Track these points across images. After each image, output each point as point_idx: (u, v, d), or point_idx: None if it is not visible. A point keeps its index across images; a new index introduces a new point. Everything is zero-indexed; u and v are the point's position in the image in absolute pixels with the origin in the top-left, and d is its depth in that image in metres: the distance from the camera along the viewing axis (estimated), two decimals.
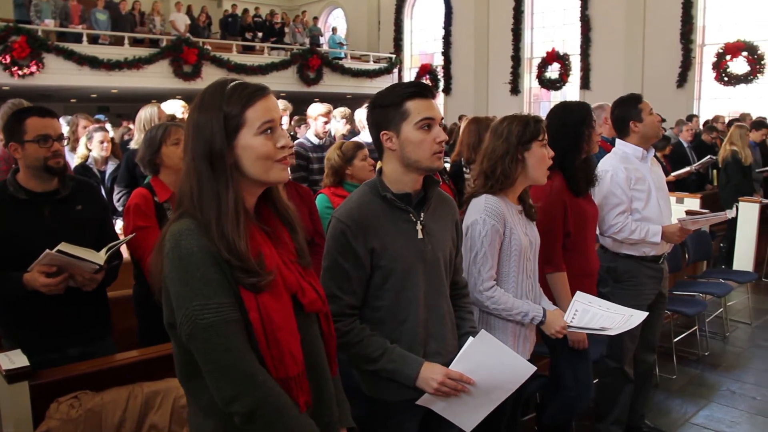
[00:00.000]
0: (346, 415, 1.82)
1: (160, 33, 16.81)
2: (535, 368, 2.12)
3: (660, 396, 4.47)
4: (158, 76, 15.79)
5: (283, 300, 1.55)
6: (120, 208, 4.61)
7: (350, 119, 6.72)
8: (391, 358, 2.04)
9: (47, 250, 2.35)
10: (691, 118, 10.36)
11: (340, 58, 19.50)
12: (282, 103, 6.12)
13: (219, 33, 19.04)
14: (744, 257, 7.50)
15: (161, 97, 8.61)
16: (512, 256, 2.64)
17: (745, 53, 13.52)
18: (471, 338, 2.08)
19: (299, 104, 6.77)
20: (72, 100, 17.57)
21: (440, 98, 19.85)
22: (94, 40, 15.17)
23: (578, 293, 2.83)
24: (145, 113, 4.79)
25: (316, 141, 5.21)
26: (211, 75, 15.92)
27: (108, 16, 15.54)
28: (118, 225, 3.86)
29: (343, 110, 6.45)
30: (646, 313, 2.80)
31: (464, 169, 4.62)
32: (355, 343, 2.05)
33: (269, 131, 1.56)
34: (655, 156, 3.70)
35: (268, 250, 1.57)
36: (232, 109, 1.53)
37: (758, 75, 13.43)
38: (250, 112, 1.54)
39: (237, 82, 1.58)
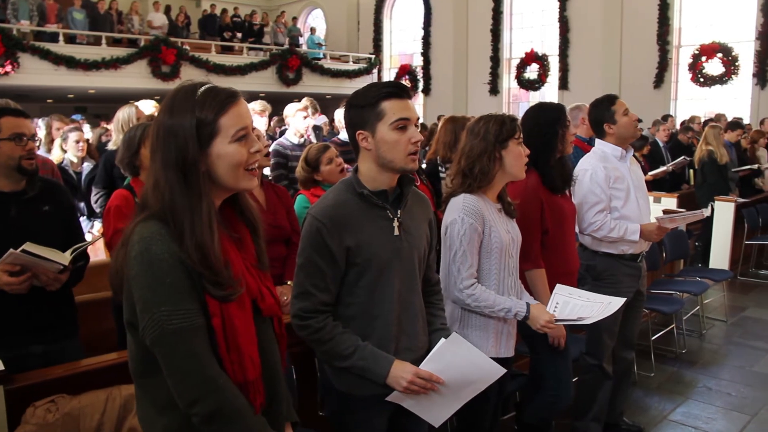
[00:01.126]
0: (291, 411, 1.86)
1: (139, 33, 16.70)
2: (504, 370, 2.15)
3: (638, 393, 4.51)
4: (136, 76, 15.67)
5: (246, 307, 1.58)
6: (98, 210, 4.57)
7: (316, 109, 6.72)
8: (362, 356, 2.05)
9: (11, 249, 2.34)
10: (666, 118, 10.48)
11: (320, 59, 19.47)
12: (260, 104, 6.08)
13: (198, 33, 18.92)
14: (720, 256, 7.60)
15: (139, 97, 8.53)
16: (493, 253, 2.67)
17: (720, 55, 13.70)
18: (443, 339, 2.10)
19: (278, 105, 6.75)
20: (48, 101, 17.37)
21: (419, 98, 19.90)
22: (70, 39, 15.03)
23: (558, 286, 2.85)
24: (123, 114, 4.75)
25: (295, 140, 5.19)
26: (189, 75, 15.81)
27: (85, 16, 15.40)
28: (97, 227, 3.83)
29: (306, 102, 6.37)
30: (624, 299, 2.83)
31: (440, 168, 4.64)
32: (327, 340, 2.06)
33: (243, 138, 1.56)
34: (634, 155, 3.73)
35: (235, 257, 1.59)
36: (205, 115, 1.51)
37: (733, 76, 13.61)
38: (225, 119, 1.53)
39: (208, 86, 1.56)
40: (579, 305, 2.74)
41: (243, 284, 1.57)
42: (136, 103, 5.05)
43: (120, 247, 1.53)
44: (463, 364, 2.09)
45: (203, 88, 1.55)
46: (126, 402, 2.40)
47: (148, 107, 5.42)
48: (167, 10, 17.82)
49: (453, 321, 2.70)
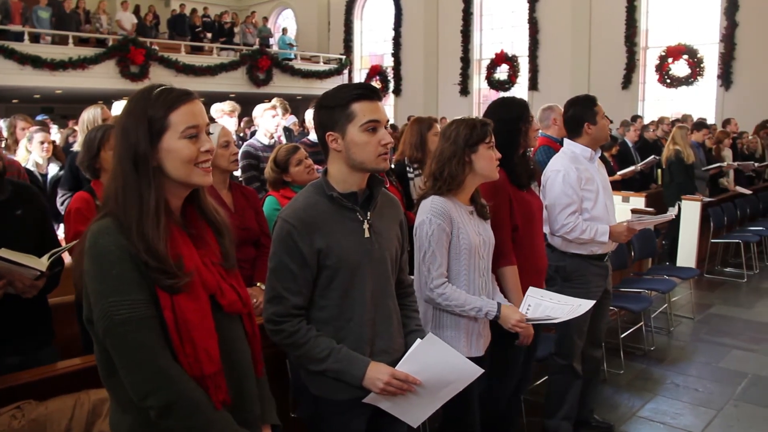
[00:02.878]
0: (271, 413, 1.85)
1: (107, 32, 16.48)
2: (482, 370, 2.15)
3: (608, 391, 4.56)
4: (104, 76, 15.48)
5: (200, 300, 1.59)
6: (64, 212, 4.50)
7: (287, 110, 6.71)
8: (337, 359, 2.04)
9: None
10: (635, 118, 10.62)
11: (290, 59, 19.40)
12: (229, 105, 6.03)
13: (167, 33, 18.73)
14: (687, 254, 7.73)
15: (108, 97, 8.43)
16: (461, 254, 2.68)
17: (685, 56, 13.94)
18: (419, 339, 2.10)
19: (249, 106, 6.70)
20: (14, 101, 17.08)
21: (390, 99, 19.93)
22: (36, 38, 14.77)
23: (531, 288, 2.87)
24: (88, 115, 4.67)
25: (266, 141, 5.16)
26: (159, 76, 15.69)
27: (51, 14, 15.15)
28: (61, 230, 3.76)
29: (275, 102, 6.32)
30: (593, 302, 2.86)
31: (408, 168, 4.65)
32: (302, 344, 2.04)
33: (193, 136, 1.60)
34: (602, 156, 3.77)
35: (188, 251, 1.61)
36: (156, 112, 1.57)
37: (698, 77, 13.86)
38: (174, 115, 1.58)
39: (163, 87, 1.61)
40: (550, 307, 2.78)
41: (196, 277, 1.58)
42: (114, 103, 4.98)
43: (78, 248, 1.57)
44: (439, 364, 2.09)
45: (159, 88, 1.60)
46: (95, 407, 2.36)
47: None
48: (136, 10, 17.61)
49: (426, 321, 2.70)
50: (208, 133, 1.67)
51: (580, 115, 3.60)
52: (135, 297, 1.49)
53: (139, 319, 1.49)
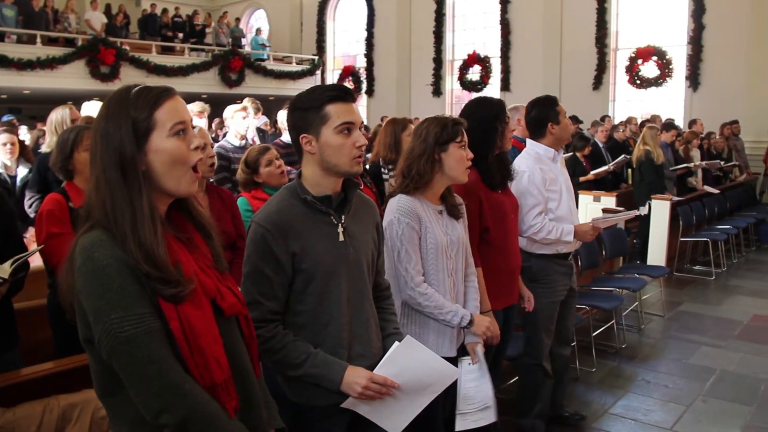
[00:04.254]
0: (275, 416, 1.80)
1: (76, 32, 16.24)
2: (460, 372, 2.13)
3: (581, 388, 4.61)
4: (74, 76, 15.22)
5: (204, 306, 1.52)
6: (33, 214, 4.43)
7: (258, 110, 6.71)
8: (314, 363, 2.02)
9: None
10: (604, 119, 10.74)
11: (263, 60, 19.29)
12: (199, 105, 5.98)
13: (138, 33, 18.53)
14: (657, 252, 7.84)
15: (77, 98, 8.31)
16: (428, 254, 2.67)
17: (655, 58, 14.10)
18: (396, 342, 2.09)
19: (221, 106, 6.63)
20: None
21: (363, 100, 19.91)
22: (1, 37, 14.49)
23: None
24: (56, 115, 4.61)
25: (237, 142, 5.13)
26: (129, 76, 15.48)
27: (17, 13, 14.87)
28: (30, 232, 3.71)
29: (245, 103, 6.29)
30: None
31: (383, 169, 4.65)
32: (279, 349, 2.02)
33: (181, 133, 1.53)
34: (575, 156, 3.81)
35: (185, 257, 1.54)
36: (139, 113, 1.49)
37: (667, 78, 14.03)
38: (159, 113, 1.50)
39: (141, 86, 1.54)
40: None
41: (196, 282, 1.51)
42: (84, 104, 4.91)
43: (66, 265, 1.47)
44: (417, 366, 2.08)
45: (136, 88, 1.53)
46: (64, 412, 2.33)
47: (96, 108, 5.27)
48: (106, 10, 17.40)
49: (406, 322, 2.69)
50: (193, 127, 1.61)
51: (543, 115, 3.62)
52: (139, 311, 1.41)
53: (146, 333, 1.41)
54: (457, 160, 2.70)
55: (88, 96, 8.73)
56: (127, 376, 1.42)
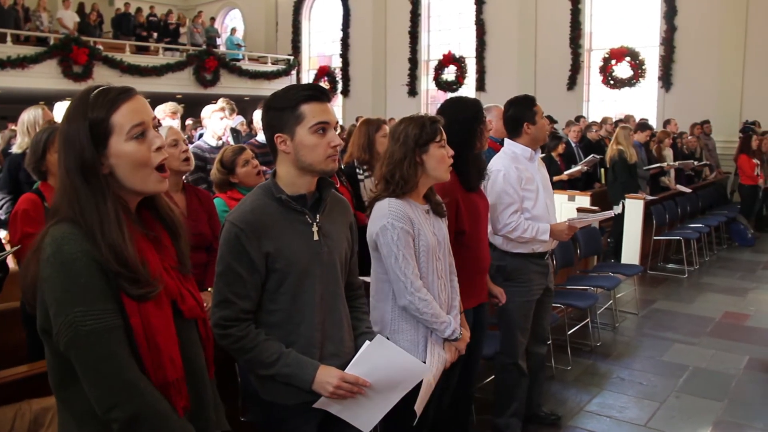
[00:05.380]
0: (222, 419, 1.83)
1: (48, 31, 16.01)
2: (430, 369, 2.15)
3: (556, 387, 4.64)
4: (46, 76, 15.01)
5: (164, 307, 1.55)
6: (3, 216, 4.36)
7: (233, 110, 6.66)
8: (286, 363, 2.02)
9: None
10: (578, 119, 10.84)
11: (238, 60, 19.19)
12: (171, 106, 5.93)
13: (111, 32, 18.32)
14: (631, 251, 7.92)
15: (50, 98, 8.18)
16: (420, 257, 2.64)
17: (628, 58, 14.27)
18: (367, 341, 2.10)
19: (196, 107, 6.60)
20: None
21: (339, 100, 19.88)
22: None
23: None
24: (28, 115, 4.54)
25: (213, 143, 5.10)
26: (103, 76, 15.31)
27: None
28: (2, 234, 3.66)
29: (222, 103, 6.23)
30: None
31: (357, 170, 4.64)
32: (250, 348, 2.02)
33: (141, 135, 1.53)
34: (551, 155, 3.83)
35: (152, 256, 1.55)
36: (96, 115, 1.49)
37: (640, 79, 14.20)
38: (116, 116, 1.50)
39: (101, 87, 1.53)
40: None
41: (161, 283, 1.53)
42: (56, 104, 4.84)
43: (31, 254, 1.48)
44: (388, 365, 2.09)
45: (96, 90, 1.53)
46: (36, 417, 2.30)
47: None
48: (79, 8, 17.17)
49: (384, 326, 2.66)
50: (156, 128, 1.60)
51: (519, 115, 3.63)
52: (102, 306, 1.43)
53: (107, 329, 1.43)
54: (439, 160, 2.67)
55: (61, 96, 8.62)
56: (84, 369, 1.44)
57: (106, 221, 1.46)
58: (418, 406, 2.51)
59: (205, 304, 2.87)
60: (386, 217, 2.58)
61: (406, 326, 2.66)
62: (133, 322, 1.47)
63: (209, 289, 3.03)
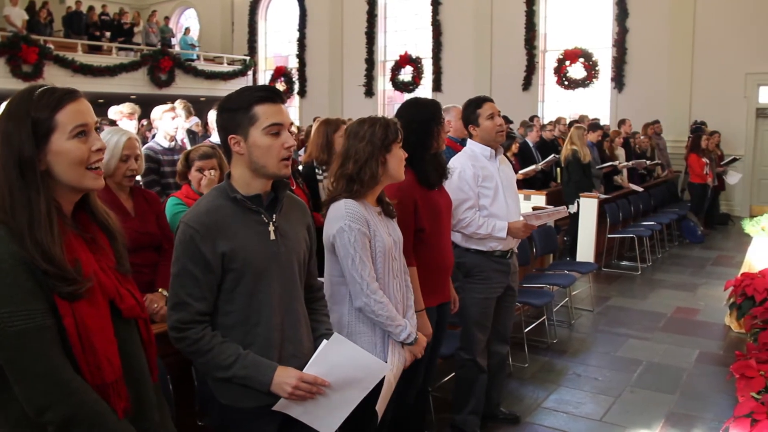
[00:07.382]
0: (167, 420, 1.81)
1: None
2: (389, 366, 2.15)
3: (514, 384, 4.69)
4: None
5: (100, 306, 1.54)
6: None
7: (190, 112, 6.62)
8: (243, 365, 2.00)
9: None
10: (532, 119, 10.98)
11: (193, 60, 18.93)
12: (129, 107, 5.84)
13: (62, 31, 17.90)
14: (585, 249, 8.05)
15: None
16: (377, 258, 2.65)
17: (582, 59, 14.50)
18: (325, 340, 2.09)
19: (151, 107, 6.46)
20: None
21: (295, 101, 19.79)
22: None
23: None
24: None
25: (166, 144, 5.03)
26: (54, 75, 14.94)
27: None
28: None
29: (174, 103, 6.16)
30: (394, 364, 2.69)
31: (316, 170, 4.63)
32: (206, 351, 2.00)
33: (82, 135, 1.56)
34: (505, 155, 3.87)
35: (85, 256, 1.56)
36: (40, 114, 1.52)
37: (594, 80, 14.45)
38: (61, 115, 1.54)
39: (45, 87, 1.56)
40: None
41: (95, 282, 1.53)
42: (3, 103, 4.70)
43: None
44: (347, 364, 2.08)
45: (40, 89, 1.55)
46: None
47: None
48: (29, 6, 16.73)
49: (341, 327, 2.65)
50: (97, 129, 1.63)
51: (465, 117, 3.74)
52: (31, 306, 1.42)
53: (37, 329, 1.42)
54: (399, 160, 2.72)
55: (9, 95, 8.41)
56: (13, 371, 1.43)
57: (36, 218, 1.47)
58: (380, 407, 2.52)
59: (154, 305, 2.86)
60: (343, 218, 2.58)
61: (363, 328, 2.67)
62: (66, 322, 1.46)
63: (160, 290, 3.01)
